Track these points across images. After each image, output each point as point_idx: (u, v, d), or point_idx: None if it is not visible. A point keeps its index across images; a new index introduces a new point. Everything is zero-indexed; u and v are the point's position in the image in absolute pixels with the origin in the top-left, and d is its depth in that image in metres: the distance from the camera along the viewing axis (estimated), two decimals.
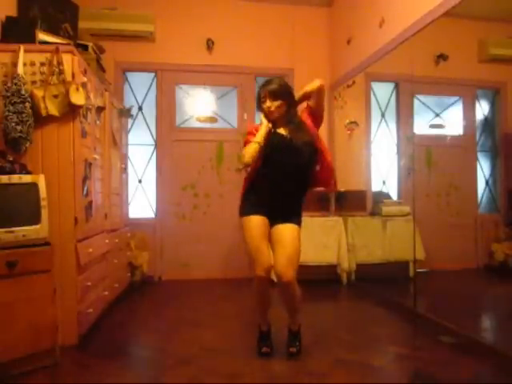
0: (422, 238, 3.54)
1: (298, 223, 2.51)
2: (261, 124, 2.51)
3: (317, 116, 2.59)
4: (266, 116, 2.50)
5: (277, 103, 2.46)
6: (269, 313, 2.59)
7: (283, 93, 2.47)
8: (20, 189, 2.31)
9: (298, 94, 2.55)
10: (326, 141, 5.05)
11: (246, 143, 2.51)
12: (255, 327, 2.66)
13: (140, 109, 4.87)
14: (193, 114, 4.95)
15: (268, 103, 2.46)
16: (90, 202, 2.96)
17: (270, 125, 2.48)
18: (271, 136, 2.46)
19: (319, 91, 2.49)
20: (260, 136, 2.43)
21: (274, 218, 2.48)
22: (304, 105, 2.62)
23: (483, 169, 3.71)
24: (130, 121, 4.57)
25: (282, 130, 2.50)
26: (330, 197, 5.01)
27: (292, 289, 2.40)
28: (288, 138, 2.46)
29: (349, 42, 4.56)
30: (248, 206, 2.50)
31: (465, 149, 3.86)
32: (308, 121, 2.55)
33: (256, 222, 2.44)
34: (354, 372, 2.30)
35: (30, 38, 2.74)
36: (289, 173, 2.45)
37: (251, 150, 2.41)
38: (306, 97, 2.55)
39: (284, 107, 2.48)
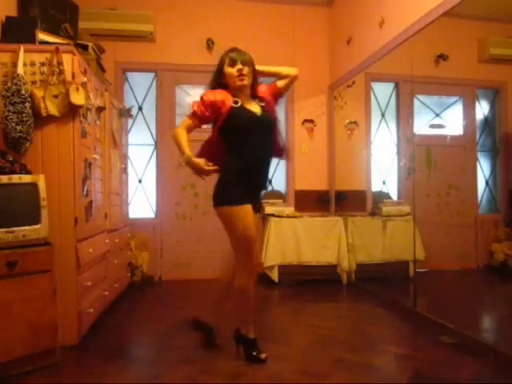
0: (422, 238, 3.54)
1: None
2: (225, 92, 2.33)
3: (277, 97, 2.55)
4: (229, 84, 2.34)
5: (247, 69, 2.32)
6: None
7: (251, 62, 2.36)
8: (20, 189, 2.32)
9: (267, 69, 2.50)
10: (325, 141, 5.08)
11: (192, 113, 2.35)
12: (254, 327, 2.63)
13: (140, 109, 4.87)
14: None
15: (240, 65, 2.29)
16: (90, 202, 2.96)
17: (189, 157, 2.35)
18: (244, 114, 2.31)
19: (293, 79, 2.52)
20: (183, 149, 2.36)
21: (253, 201, 2.39)
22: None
23: (483, 169, 3.70)
24: (130, 121, 4.57)
25: (251, 107, 2.35)
26: (330, 197, 5.01)
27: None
28: (259, 116, 2.34)
29: (349, 41, 4.56)
30: (238, 193, 2.31)
31: (465, 149, 3.86)
32: (267, 95, 2.45)
33: (250, 211, 2.33)
34: (354, 372, 2.30)
35: (30, 38, 2.73)
36: (264, 152, 2.38)
37: (177, 143, 2.38)
38: (273, 75, 2.52)
39: (251, 78, 2.35)
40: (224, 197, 2.37)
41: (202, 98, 2.35)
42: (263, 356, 2.43)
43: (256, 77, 2.42)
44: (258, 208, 2.49)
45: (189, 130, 2.43)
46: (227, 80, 2.35)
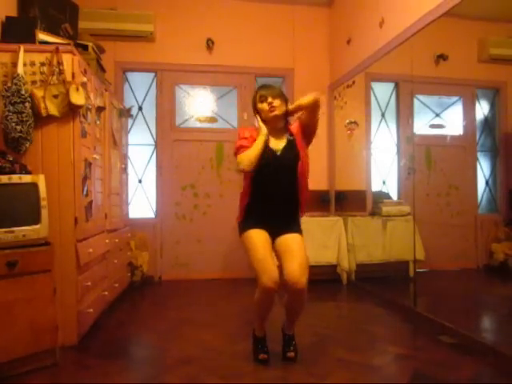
0: (422, 238, 3.54)
1: (300, 232, 2.48)
2: (255, 129, 2.46)
3: (307, 132, 2.49)
4: (264, 118, 2.44)
5: (278, 102, 2.41)
6: (267, 321, 2.51)
7: (282, 96, 2.46)
8: (20, 189, 2.32)
9: (291, 106, 2.47)
10: (325, 141, 5.08)
11: (238, 149, 2.42)
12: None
13: (140, 109, 4.87)
14: (193, 114, 4.95)
15: (270, 99, 2.40)
16: (90, 202, 2.96)
17: (267, 133, 2.40)
18: (264, 150, 2.38)
19: (314, 106, 2.37)
20: (259, 143, 2.38)
21: (276, 232, 2.44)
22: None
23: (483, 169, 3.70)
24: (130, 121, 4.57)
25: (273, 144, 2.43)
26: (330, 197, 5.01)
27: (304, 296, 2.34)
28: (277, 154, 2.41)
29: (349, 42, 4.56)
30: (247, 224, 2.44)
31: (465, 149, 3.86)
32: (298, 136, 2.48)
33: (258, 233, 2.39)
34: (354, 372, 2.30)
35: (30, 38, 2.74)
36: (280, 186, 2.41)
37: (251, 156, 2.35)
38: (300, 109, 2.44)
39: (283, 109, 2.43)
40: (239, 229, 2.51)
41: (241, 136, 2.47)
42: (261, 356, 2.43)
43: (288, 109, 2.46)
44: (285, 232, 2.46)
45: None
46: (261, 116, 2.47)
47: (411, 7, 3.30)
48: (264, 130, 2.41)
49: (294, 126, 2.53)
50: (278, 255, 2.42)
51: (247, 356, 2.51)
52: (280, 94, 2.46)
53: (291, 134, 2.49)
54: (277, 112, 2.41)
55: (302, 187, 2.45)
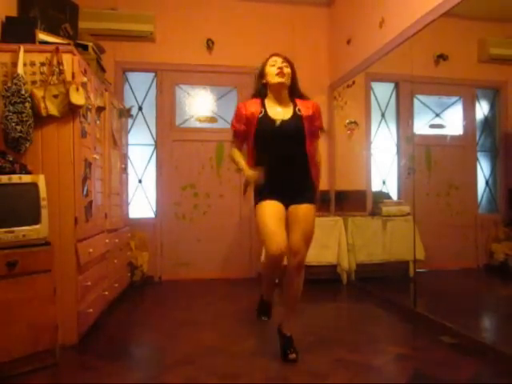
0: (422, 238, 3.54)
1: (312, 200, 2.50)
2: (255, 103, 2.49)
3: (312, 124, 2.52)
4: (268, 82, 2.46)
5: (288, 70, 2.45)
6: (274, 292, 2.65)
7: (292, 65, 2.50)
8: (20, 189, 2.31)
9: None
10: (325, 141, 5.07)
11: (234, 133, 2.53)
12: (254, 327, 2.66)
13: (140, 109, 4.87)
14: (193, 114, 4.95)
15: (280, 63, 2.44)
16: (90, 202, 2.96)
17: (254, 176, 2.40)
18: (264, 122, 2.43)
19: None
20: (242, 168, 2.47)
21: (289, 200, 2.46)
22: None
23: (483, 169, 3.71)
24: (130, 121, 4.57)
25: (273, 113, 2.44)
26: (330, 197, 5.01)
27: (302, 271, 2.44)
28: (278, 124, 2.42)
29: (349, 42, 4.55)
30: (261, 195, 2.45)
31: (465, 149, 3.86)
32: (307, 118, 2.47)
33: (270, 205, 2.41)
34: (354, 372, 2.30)
35: (30, 38, 2.74)
36: (285, 155, 2.43)
37: (236, 163, 2.54)
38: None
39: (289, 81, 2.46)
40: (255, 197, 2.52)
41: (237, 113, 2.53)
42: (263, 317, 2.64)
43: (296, 82, 2.52)
44: (300, 201, 2.50)
45: (239, 147, 2.60)
46: (267, 78, 2.48)
47: (411, 7, 3.30)
48: (247, 172, 2.43)
49: (308, 106, 2.50)
50: (287, 223, 2.46)
51: (247, 356, 2.52)
52: (291, 63, 2.50)
53: (299, 110, 2.48)
54: (284, 79, 2.43)
55: (309, 157, 2.48)
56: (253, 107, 2.48)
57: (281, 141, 2.42)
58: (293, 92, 2.53)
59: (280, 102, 2.49)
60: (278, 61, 2.46)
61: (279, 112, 2.46)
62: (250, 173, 2.42)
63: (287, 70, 2.45)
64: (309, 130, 2.46)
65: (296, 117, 2.46)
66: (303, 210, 2.46)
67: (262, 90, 2.53)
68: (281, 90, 2.47)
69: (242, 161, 2.52)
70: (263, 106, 2.48)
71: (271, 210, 2.40)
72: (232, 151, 2.59)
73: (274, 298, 2.69)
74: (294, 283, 2.46)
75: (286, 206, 2.47)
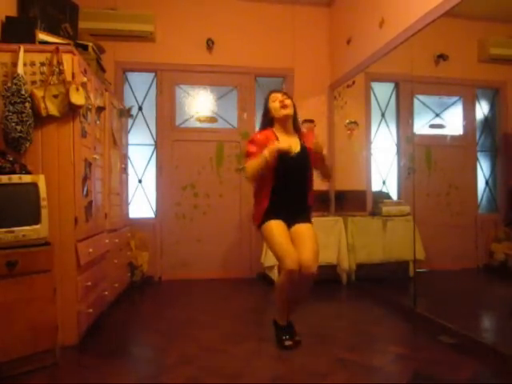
0: (422, 238, 3.54)
1: (310, 220, 2.75)
2: (268, 134, 2.65)
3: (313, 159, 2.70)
4: (275, 116, 2.66)
5: (289, 101, 2.65)
6: (288, 308, 2.70)
7: (291, 97, 2.72)
8: (20, 189, 2.31)
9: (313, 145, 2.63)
10: (325, 141, 5.07)
11: (248, 154, 2.64)
12: (255, 327, 2.65)
13: (140, 109, 4.87)
14: (193, 114, 4.95)
15: (281, 98, 2.65)
16: (90, 202, 2.96)
17: (281, 146, 2.51)
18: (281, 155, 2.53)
19: (324, 173, 2.82)
20: (270, 152, 2.48)
21: (291, 222, 2.66)
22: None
23: (483, 169, 3.71)
24: (130, 121, 4.57)
25: (287, 143, 2.55)
26: (330, 197, 5.01)
27: (311, 282, 2.59)
28: (293, 155, 2.60)
29: (349, 42, 4.55)
30: (266, 216, 2.64)
31: (465, 149, 3.86)
32: (309, 150, 2.65)
33: (277, 223, 2.60)
34: (354, 372, 2.30)
35: (30, 38, 2.74)
36: (297, 184, 2.67)
37: (256, 166, 2.54)
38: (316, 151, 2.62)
39: (292, 110, 2.66)
40: (259, 222, 2.70)
41: (251, 139, 2.71)
42: (287, 343, 2.61)
43: (296, 115, 2.76)
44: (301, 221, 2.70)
45: None
46: (273, 113, 2.70)
47: (411, 7, 3.30)
48: (275, 146, 2.49)
49: (307, 138, 2.72)
50: (294, 241, 2.60)
51: (247, 356, 2.52)
52: (290, 97, 2.72)
53: (304, 142, 2.70)
54: (288, 111, 2.64)
55: (310, 184, 2.76)
56: (267, 135, 2.66)
57: (294, 171, 2.64)
58: (294, 123, 2.75)
59: (287, 132, 2.70)
60: (279, 96, 2.68)
61: (290, 144, 2.61)
62: (279, 144, 2.51)
63: (289, 102, 2.65)
64: (312, 160, 2.69)
65: (303, 149, 2.67)
66: (307, 229, 2.66)
67: (268, 124, 2.73)
68: (286, 121, 2.69)
69: (258, 156, 2.57)
70: (275, 135, 2.67)
71: (280, 229, 2.59)
72: (249, 163, 2.63)
73: (288, 318, 2.72)
74: (302, 291, 2.65)
75: (288, 225, 2.65)
